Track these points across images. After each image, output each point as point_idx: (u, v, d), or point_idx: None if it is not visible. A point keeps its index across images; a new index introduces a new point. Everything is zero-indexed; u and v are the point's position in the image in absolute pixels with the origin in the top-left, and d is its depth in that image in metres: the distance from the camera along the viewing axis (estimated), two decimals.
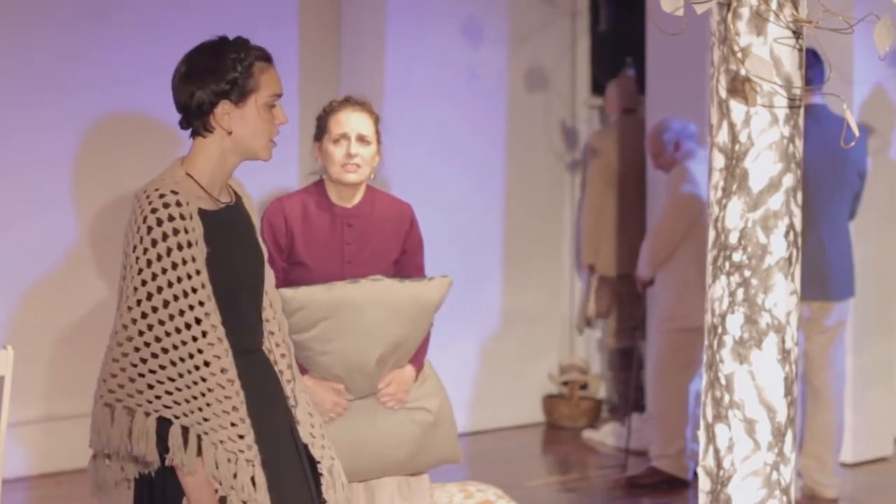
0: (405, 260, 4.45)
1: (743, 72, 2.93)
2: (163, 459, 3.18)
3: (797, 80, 2.97)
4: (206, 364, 3.21)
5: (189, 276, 3.21)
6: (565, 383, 8.32)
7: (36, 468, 6.74)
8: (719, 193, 3.01)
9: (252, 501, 3.23)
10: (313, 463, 3.49)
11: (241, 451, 3.23)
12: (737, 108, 2.98)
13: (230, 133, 3.33)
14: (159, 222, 3.21)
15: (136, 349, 3.18)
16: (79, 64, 6.92)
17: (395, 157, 6.87)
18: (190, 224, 3.23)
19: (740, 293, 2.99)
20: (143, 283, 3.19)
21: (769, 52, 2.94)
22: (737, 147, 2.98)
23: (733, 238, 2.99)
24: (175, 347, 3.19)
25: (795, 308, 3.03)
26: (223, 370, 3.23)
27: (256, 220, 3.52)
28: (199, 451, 3.19)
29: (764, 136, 2.97)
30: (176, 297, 3.20)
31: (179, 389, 3.19)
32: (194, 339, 3.20)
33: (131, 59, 7.04)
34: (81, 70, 6.93)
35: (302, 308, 4.21)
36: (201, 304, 3.22)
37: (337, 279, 4.28)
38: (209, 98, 3.31)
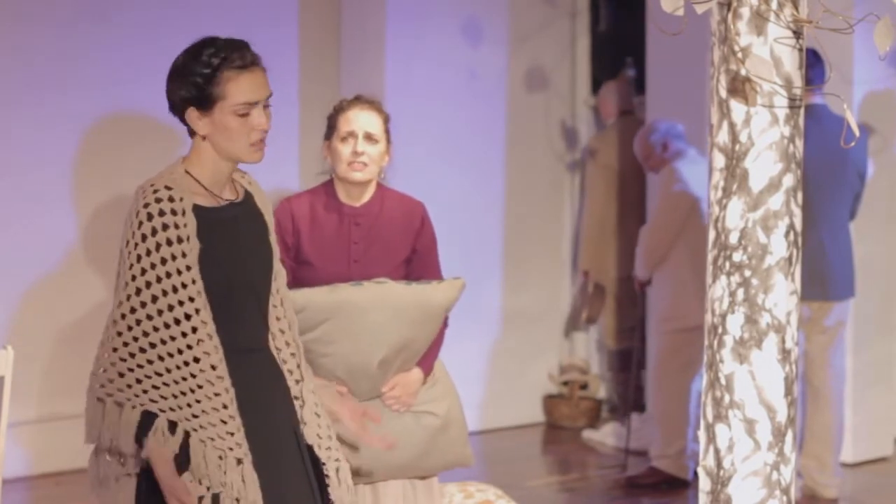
0: (418, 260, 4.42)
1: (743, 72, 2.93)
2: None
3: (797, 80, 2.97)
4: (196, 360, 3.23)
5: (179, 272, 3.23)
6: (565, 383, 8.32)
7: (36, 468, 6.74)
8: (719, 193, 3.01)
9: (243, 499, 3.22)
10: (319, 464, 3.48)
11: (231, 449, 3.24)
12: (737, 108, 2.98)
13: (205, 138, 3.34)
14: (150, 217, 3.23)
15: (126, 343, 3.21)
16: (79, 64, 6.92)
17: (394, 157, 6.86)
18: (182, 220, 3.25)
19: (740, 293, 2.99)
20: (134, 277, 3.22)
21: (769, 52, 2.94)
22: (737, 147, 2.98)
23: (733, 238, 2.99)
24: (164, 342, 3.21)
25: (795, 308, 3.03)
26: (212, 367, 3.24)
27: (271, 218, 3.52)
28: (184, 445, 3.20)
29: (764, 136, 2.97)
30: (165, 293, 3.22)
31: (167, 384, 3.21)
32: (184, 334, 3.22)
33: (131, 59, 7.04)
34: (81, 70, 6.92)
35: (303, 310, 4.20)
36: (191, 299, 3.23)
37: (344, 278, 4.27)
38: (178, 102, 3.34)
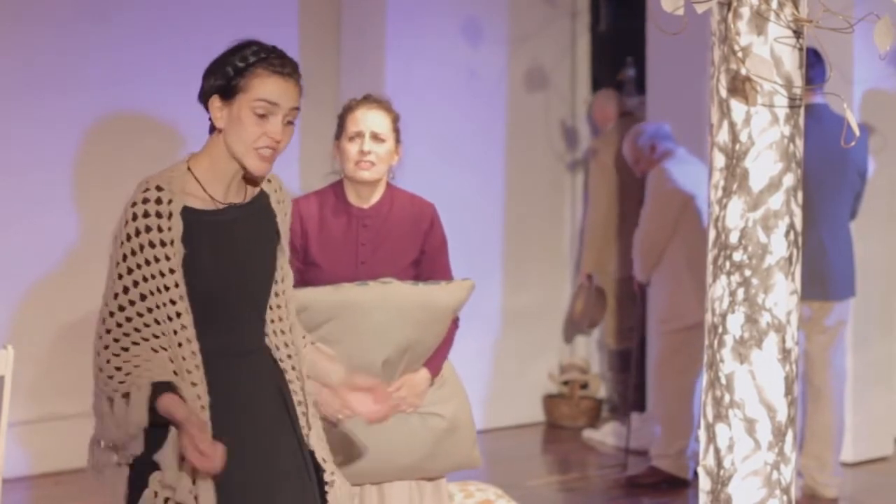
0: (427, 261, 4.40)
1: (743, 71, 2.93)
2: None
3: (797, 80, 2.97)
4: (171, 361, 3.24)
5: (162, 274, 3.24)
6: (565, 383, 8.33)
7: (36, 468, 6.74)
8: (720, 193, 3.01)
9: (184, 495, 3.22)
10: (320, 469, 3.48)
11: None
12: (737, 108, 2.98)
13: (220, 131, 3.34)
14: (135, 217, 3.25)
15: (116, 340, 3.22)
16: (79, 64, 6.92)
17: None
18: (167, 223, 3.24)
19: (741, 293, 2.99)
20: (121, 276, 3.24)
21: (770, 51, 2.94)
22: (737, 146, 2.98)
23: (734, 237, 2.99)
24: (146, 340, 3.23)
25: (796, 308, 3.03)
26: (188, 371, 3.24)
27: (286, 218, 3.50)
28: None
29: (764, 135, 2.97)
30: (152, 293, 3.23)
31: (137, 366, 3.22)
32: (164, 334, 3.24)
33: (131, 59, 7.04)
34: (81, 70, 6.92)
35: (306, 309, 4.20)
36: (173, 302, 3.23)
37: (351, 280, 4.27)
38: (207, 90, 3.35)
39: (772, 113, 2.96)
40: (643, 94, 7.95)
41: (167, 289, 3.23)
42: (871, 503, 6.71)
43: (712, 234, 3.04)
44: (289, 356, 3.48)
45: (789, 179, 2.99)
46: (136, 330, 3.23)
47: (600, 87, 8.44)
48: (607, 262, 7.99)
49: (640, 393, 7.85)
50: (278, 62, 3.32)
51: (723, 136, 3.00)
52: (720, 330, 3.02)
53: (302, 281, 4.31)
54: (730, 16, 2.94)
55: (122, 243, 3.25)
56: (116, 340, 3.22)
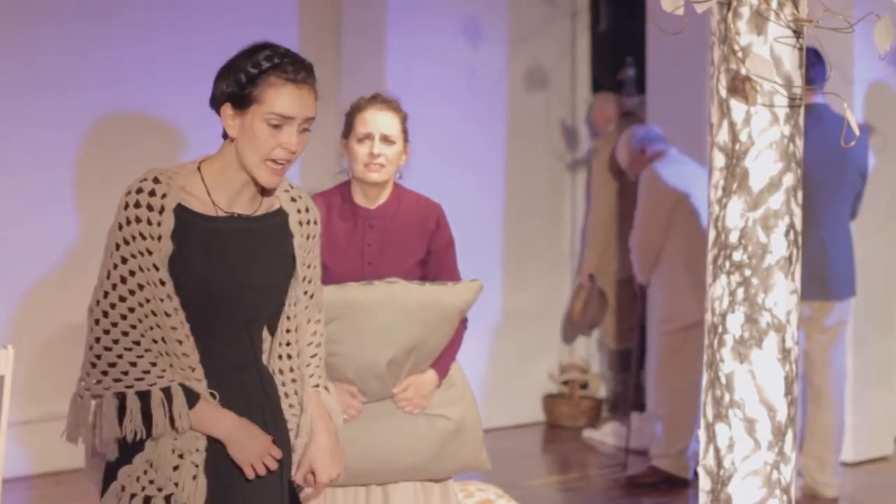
0: (434, 262, 4.39)
1: (743, 71, 2.93)
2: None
3: (797, 80, 2.97)
4: (177, 356, 3.19)
5: (156, 268, 3.17)
6: (565, 383, 8.33)
7: (36, 468, 6.74)
8: (720, 193, 3.01)
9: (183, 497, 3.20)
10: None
11: (191, 452, 3.22)
12: (737, 108, 2.98)
13: (232, 140, 3.25)
14: (126, 206, 3.19)
15: (126, 333, 3.16)
16: (79, 64, 6.92)
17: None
18: (156, 217, 3.18)
19: (740, 292, 2.99)
20: (115, 266, 3.17)
21: (769, 51, 2.94)
22: (737, 146, 2.98)
23: (734, 237, 2.99)
24: (150, 332, 3.17)
25: (796, 307, 3.03)
26: (192, 368, 3.21)
27: (308, 241, 3.41)
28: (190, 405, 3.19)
29: (764, 135, 2.97)
30: (148, 284, 3.17)
31: (154, 364, 3.18)
32: (159, 326, 3.18)
33: (131, 59, 7.04)
34: (81, 70, 6.93)
35: None
36: (161, 300, 3.17)
37: (357, 280, 4.27)
38: (218, 96, 3.25)
39: (772, 113, 2.96)
40: (643, 94, 7.95)
41: (163, 284, 3.17)
42: (871, 503, 6.71)
43: (712, 233, 3.04)
44: (293, 381, 3.41)
45: (789, 179, 2.99)
46: (140, 321, 3.16)
47: (600, 87, 8.44)
48: (608, 263, 7.99)
49: (640, 393, 7.86)
50: (292, 69, 3.26)
51: (723, 136, 3.00)
52: (720, 330, 3.02)
53: None
54: (730, 15, 2.94)
55: (116, 231, 3.20)
56: (126, 333, 3.16)
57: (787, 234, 3.00)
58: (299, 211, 3.40)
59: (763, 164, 2.97)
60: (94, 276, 3.28)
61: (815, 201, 6.21)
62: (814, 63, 6.01)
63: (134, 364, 3.16)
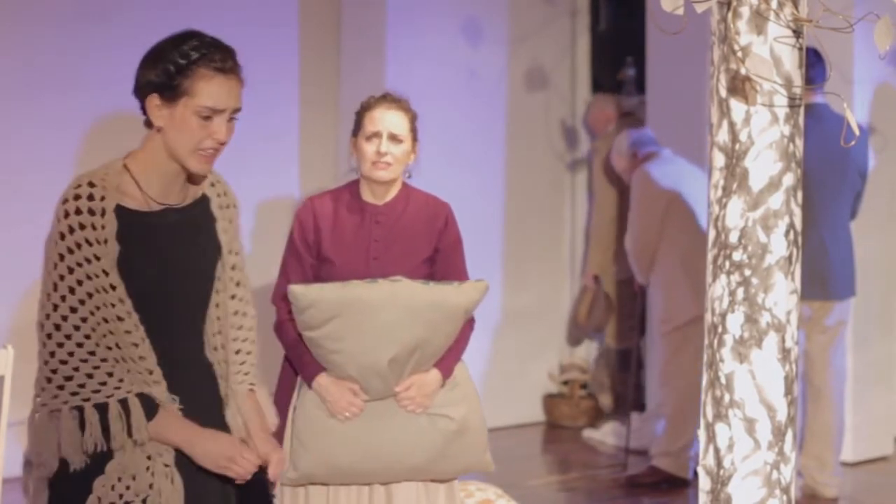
0: (442, 260, 4.40)
1: (743, 71, 2.93)
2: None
3: (797, 80, 2.97)
4: (133, 360, 3.15)
5: (105, 273, 3.12)
6: (565, 383, 8.33)
7: None
8: (719, 192, 3.01)
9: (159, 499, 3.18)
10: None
11: (160, 454, 3.19)
12: (737, 108, 2.98)
13: (159, 130, 3.19)
14: (67, 214, 3.13)
15: (80, 345, 3.11)
16: (79, 64, 6.92)
17: None
18: (99, 220, 3.13)
19: (740, 292, 2.99)
20: (62, 277, 3.11)
21: (769, 51, 2.94)
22: (737, 146, 2.98)
23: (733, 237, 2.99)
24: (104, 336, 3.12)
25: (796, 307, 3.03)
26: (150, 371, 3.17)
27: (228, 223, 3.38)
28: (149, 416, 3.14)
29: (764, 135, 2.97)
30: (97, 291, 3.12)
31: (110, 374, 3.13)
32: (113, 332, 3.14)
33: (131, 59, 6.99)
34: (81, 70, 6.93)
35: (311, 305, 4.20)
36: (113, 305, 3.13)
37: (362, 276, 4.27)
38: (144, 86, 3.20)
39: (772, 113, 2.96)
40: (643, 93, 7.95)
41: (114, 288, 3.12)
42: (871, 503, 6.71)
43: (712, 233, 3.04)
44: (226, 373, 3.36)
45: (789, 179, 2.99)
46: (93, 330, 3.11)
47: (600, 87, 8.44)
48: (609, 264, 7.99)
49: (640, 393, 7.86)
50: (220, 58, 3.20)
51: (723, 136, 3.00)
52: (720, 329, 3.02)
53: (316, 277, 4.33)
54: (729, 15, 2.94)
55: (57, 242, 3.12)
56: (80, 345, 3.10)
57: (787, 234, 3.00)
58: (219, 195, 3.40)
59: (763, 164, 2.97)
60: None
61: (815, 201, 6.21)
62: (814, 63, 6.01)
63: (90, 375, 3.11)
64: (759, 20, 2.93)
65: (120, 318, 3.13)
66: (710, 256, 3.05)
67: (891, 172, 7.31)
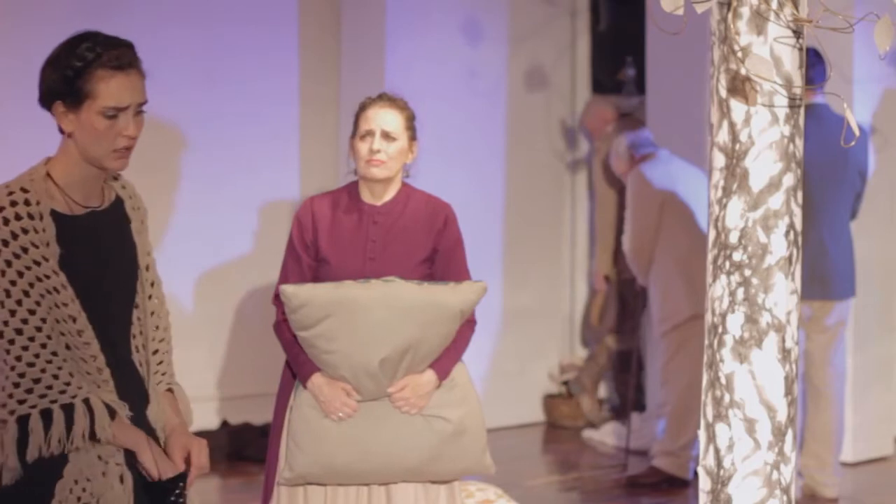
0: (442, 261, 4.39)
1: (743, 71, 2.93)
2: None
3: (797, 80, 2.97)
4: (84, 360, 3.16)
5: (57, 273, 3.11)
6: (565, 383, 8.32)
7: None
8: (719, 193, 3.01)
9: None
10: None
11: (112, 455, 3.19)
12: (737, 108, 2.97)
13: (70, 136, 3.18)
14: (6, 221, 3.09)
15: (25, 348, 3.09)
16: None
17: None
18: (40, 224, 3.11)
19: (740, 292, 2.99)
20: (13, 282, 3.07)
21: (769, 51, 2.94)
22: (737, 146, 2.98)
23: (733, 237, 2.99)
24: (60, 335, 3.12)
25: (796, 307, 3.03)
26: (99, 370, 3.18)
27: (140, 224, 3.38)
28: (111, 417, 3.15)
29: (764, 135, 2.96)
30: (49, 292, 3.10)
31: (79, 372, 3.14)
32: (68, 333, 3.13)
33: None
34: None
35: (304, 305, 4.20)
36: (65, 304, 3.12)
37: (359, 276, 4.27)
38: (46, 94, 3.18)
39: (772, 113, 2.96)
40: (643, 94, 7.95)
41: (64, 288, 3.12)
42: (871, 503, 6.71)
43: (712, 233, 3.04)
44: (147, 373, 3.36)
45: (789, 179, 2.99)
46: (52, 331, 3.10)
47: (600, 87, 8.44)
48: (612, 264, 7.99)
49: (640, 393, 7.86)
50: (115, 55, 3.18)
51: (723, 136, 3.00)
52: (720, 330, 3.02)
53: (315, 278, 4.34)
54: (729, 16, 2.94)
55: (2, 250, 3.08)
56: (44, 346, 3.09)
57: (787, 234, 3.00)
58: (130, 197, 3.38)
59: (763, 165, 2.97)
60: None
61: (815, 201, 6.21)
62: (814, 63, 6.01)
63: (56, 377, 3.10)
64: (759, 20, 2.93)
65: (73, 318, 3.13)
66: (710, 257, 3.05)
67: (890, 172, 7.31)
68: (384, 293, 4.21)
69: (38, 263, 3.10)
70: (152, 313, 3.40)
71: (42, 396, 3.10)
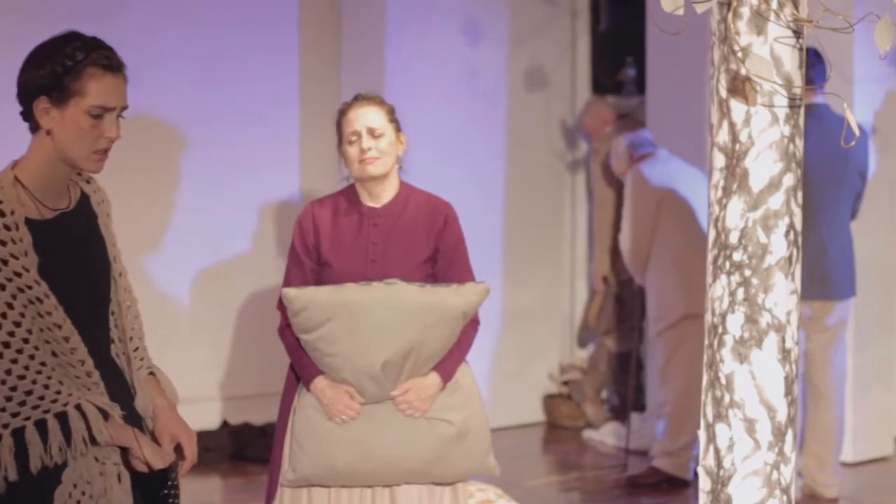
0: (443, 260, 4.38)
1: (743, 71, 2.92)
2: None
3: (797, 80, 2.97)
4: (72, 366, 3.15)
5: (38, 283, 3.10)
6: (565, 383, 8.32)
7: None
8: (720, 193, 3.01)
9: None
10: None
11: (109, 457, 3.20)
12: (737, 108, 2.97)
13: (49, 133, 3.17)
14: None
15: (14, 360, 3.08)
16: None
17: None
18: (17, 234, 3.10)
19: (740, 293, 2.99)
20: None
21: (769, 51, 2.94)
22: (737, 146, 2.98)
23: (733, 237, 2.99)
24: (47, 344, 3.12)
25: (796, 307, 3.03)
26: (88, 374, 3.18)
27: (106, 219, 3.37)
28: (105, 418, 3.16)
29: (764, 135, 2.96)
30: (31, 302, 3.09)
31: (61, 382, 3.13)
32: (54, 341, 3.12)
33: (130, 59, 7.01)
34: None
35: (305, 308, 4.20)
36: (49, 313, 3.11)
37: (360, 279, 4.27)
38: (30, 89, 3.17)
39: (772, 113, 2.96)
40: (643, 94, 7.95)
41: (48, 297, 3.11)
42: (870, 503, 6.71)
43: (712, 233, 3.04)
44: (128, 365, 3.35)
45: (789, 179, 2.99)
46: (39, 340, 3.09)
47: (600, 87, 8.44)
48: (610, 265, 7.99)
49: (640, 393, 7.86)
50: (106, 56, 3.18)
51: (723, 136, 3.00)
52: (720, 330, 3.02)
53: (317, 281, 4.33)
54: (729, 16, 2.93)
55: None
56: (32, 357, 3.08)
57: (787, 234, 2.99)
58: (95, 192, 3.37)
59: (763, 165, 2.97)
60: None
61: (815, 201, 6.21)
62: (814, 63, 6.01)
63: (46, 386, 3.10)
64: (759, 20, 2.93)
65: (58, 326, 3.12)
66: (710, 257, 3.05)
67: (891, 172, 7.31)
68: (386, 295, 4.21)
69: (18, 275, 3.09)
70: (126, 304, 3.39)
71: (35, 407, 3.09)
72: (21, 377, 3.08)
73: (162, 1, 7.21)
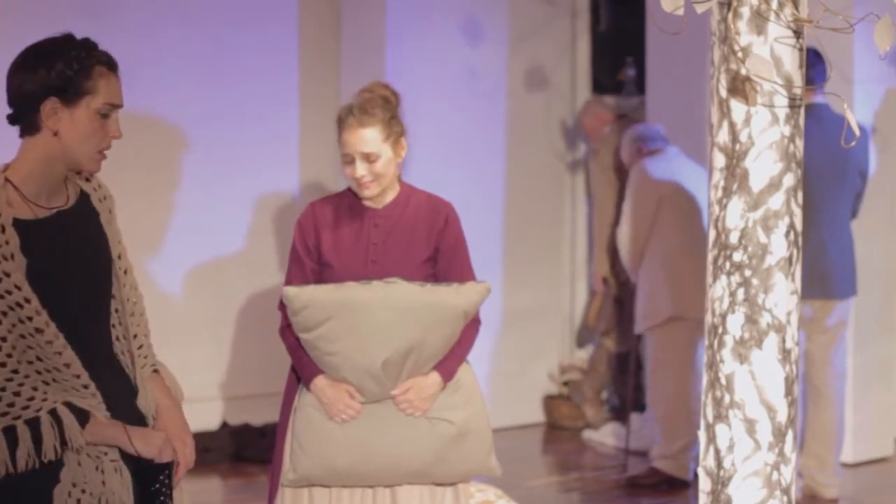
0: (443, 260, 4.37)
1: (743, 71, 2.92)
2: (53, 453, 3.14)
3: (798, 80, 2.97)
4: (58, 370, 3.14)
5: (18, 288, 3.09)
6: (565, 383, 8.32)
7: None
8: (720, 193, 3.01)
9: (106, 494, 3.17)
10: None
11: (105, 453, 3.19)
12: (737, 108, 2.97)
13: (56, 134, 3.16)
14: None
15: (3, 365, 3.08)
16: None
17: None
18: (2, 237, 3.09)
19: (741, 293, 2.99)
20: None
21: (770, 51, 2.93)
22: (737, 147, 2.98)
23: (734, 238, 2.99)
24: (23, 352, 3.10)
25: (796, 308, 3.03)
26: (76, 376, 3.16)
27: (109, 215, 3.36)
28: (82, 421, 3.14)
29: (764, 135, 2.96)
30: (11, 308, 3.09)
31: (47, 383, 3.12)
32: (35, 347, 3.11)
33: (130, 59, 7.00)
34: None
35: (306, 307, 4.20)
36: (30, 319, 3.10)
37: (361, 279, 4.26)
38: (37, 90, 3.14)
39: (772, 113, 2.96)
40: (643, 94, 7.95)
41: (28, 301, 3.09)
42: (870, 503, 6.70)
43: (712, 234, 3.04)
44: (131, 363, 3.35)
45: (789, 179, 2.99)
46: (14, 348, 3.08)
47: (600, 87, 8.44)
48: (610, 265, 7.99)
49: (640, 393, 7.85)
50: (106, 54, 3.20)
51: (723, 136, 3.00)
52: (720, 330, 3.01)
53: (319, 281, 4.33)
54: (730, 16, 2.93)
55: None
56: (3, 364, 3.07)
57: (787, 234, 2.99)
58: (95, 189, 3.36)
59: (763, 165, 2.97)
60: None
61: (815, 201, 6.21)
62: (814, 63, 6.01)
63: (17, 393, 3.09)
64: (759, 20, 2.93)
65: (39, 331, 3.11)
66: (710, 257, 3.05)
67: (891, 172, 7.30)
68: (386, 294, 4.20)
69: None
70: (127, 300, 3.38)
71: (4, 414, 3.08)
72: None
73: (161, 1, 7.21)
